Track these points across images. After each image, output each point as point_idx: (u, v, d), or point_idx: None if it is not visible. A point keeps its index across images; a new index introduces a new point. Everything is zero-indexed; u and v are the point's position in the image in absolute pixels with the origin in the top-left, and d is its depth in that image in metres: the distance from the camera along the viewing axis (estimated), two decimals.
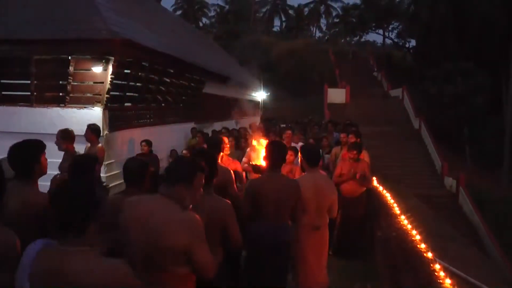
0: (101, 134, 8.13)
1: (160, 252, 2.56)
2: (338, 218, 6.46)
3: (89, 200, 2.10)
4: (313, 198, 4.41)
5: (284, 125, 14.90)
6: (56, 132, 6.54)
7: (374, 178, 7.65)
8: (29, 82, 8.33)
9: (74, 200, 2.07)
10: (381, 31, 48.56)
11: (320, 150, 7.75)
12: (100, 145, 6.94)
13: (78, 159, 4.04)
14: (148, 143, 8.66)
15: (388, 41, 50.02)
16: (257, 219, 4.18)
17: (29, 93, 8.38)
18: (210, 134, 10.98)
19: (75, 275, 1.96)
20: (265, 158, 4.49)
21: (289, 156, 6.84)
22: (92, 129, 6.84)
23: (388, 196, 6.47)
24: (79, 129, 7.89)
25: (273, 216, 4.13)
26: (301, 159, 4.83)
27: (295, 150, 7.02)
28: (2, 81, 8.53)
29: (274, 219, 4.14)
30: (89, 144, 6.92)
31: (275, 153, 4.38)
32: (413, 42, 42.31)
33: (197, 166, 2.88)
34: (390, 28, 47.41)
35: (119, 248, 2.71)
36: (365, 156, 7.50)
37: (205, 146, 7.54)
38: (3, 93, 8.55)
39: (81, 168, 3.75)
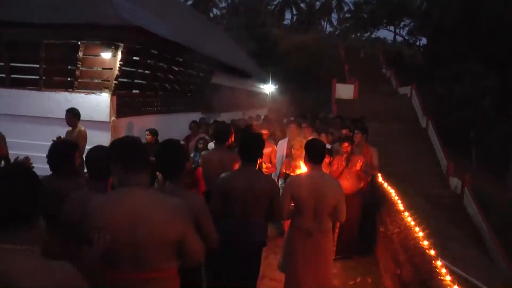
0: (108, 120, 8.18)
1: (150, 248, 2.34)
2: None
3: (32, 190, 1.80)
4: (309, 198, 3.89)
5: (293, 118, 14.79)
6: (63, 117, 6.63)
7: (379, 174, 7.57)
8: (38, 66, 8.37)
9: (15, 190, 1.75)
10: (392, 28, 48.35)
11: (328, 146, 7.70)
12: (82, 128, 6.91)
13: (55, 147, 3.57)
14: (152, 132, 8.08)
15: (398, 38, 49.83)
16: (226, 217, 3.79)
17: (37, 77, 8.42)
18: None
19: (15, 278, 1.64)
20: (239, 150, 4.02)
21: (296, 150, 6.69)
22: (75, 113, 6.81)
23: (392, 192, 6.45)
24: (87, 114, 7.97)
25: (241, 214, 3.75)
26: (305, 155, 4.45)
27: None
28: (11, 64, 8.58)
29: (242, 217, 3.76)
30: (70, 128, 6.84)
31: (249, 145, 3.95)
32: (424, 41, 42.10)
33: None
34: (401, 25, 47.20)
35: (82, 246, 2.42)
36: (373, 153, 7.29)
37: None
38: (12, 76, 8.60)
39: (58, 156, 3.41)
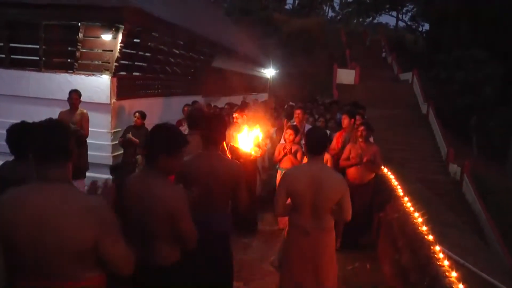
0: (109, 102, 8.16)
1: (59, 255, 2.04)
2: None
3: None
4: (307, 193, 3.53)
5: (293, 104, 14.73)
6: (63, 98, 6.63)
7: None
8: (38, 47, 8.30)
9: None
10: (394, 14, 47.98)
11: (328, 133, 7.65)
12: (84, 110, 6.95)
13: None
14: (142, 114, 7.89)
15: (401, 24, 49.49)
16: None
17: (37, 58, 8.36)
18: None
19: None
20: (201, 133, 3.72)
21: (289, 135, 6.84)
22: (79, 95, 6.88)
23: (392, 178, 6.47)
24: (87, 96, 7.96)
25: (203, 203, 3.37)
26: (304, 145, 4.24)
27: (295, 129, 6.88)
28: (11, 44, 8.52)
29: (204, 207, 3.39)
30: (65, 109, 6.82)
31: (211, 127, 3.65)
32: (426, 26, 41.85)
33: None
34: (404, 11, 46.84)
35: None
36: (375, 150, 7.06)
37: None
38: (12, 56, 8.55)
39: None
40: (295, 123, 7.61)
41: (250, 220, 6.89)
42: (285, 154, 6.84)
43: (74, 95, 6.73)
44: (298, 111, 8.07)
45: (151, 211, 2.68)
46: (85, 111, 6.93)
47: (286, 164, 6.86)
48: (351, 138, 7.02)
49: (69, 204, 2.07)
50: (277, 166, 7.25)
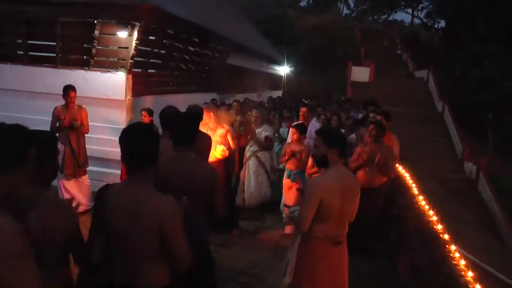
0: (124, 99, 8.22)
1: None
2: None
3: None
4: (339, 203, 3.29)
5: (306, 101, 14.69)
6: (79, 94, 6.70)
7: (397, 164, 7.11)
8: (54, 44, 8.41)
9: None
10: (410, 10, 47.55)
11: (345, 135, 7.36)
12: (83, 106, 6.81)
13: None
14: (149, 112, 7.49)
15: (416, 21, 49.03)
16: None
17: (54, 55, 8.47)
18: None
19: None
20: (174, 133, 3.38)
21: (293, 134, 6.56)
22: (75, 90, 6.71)
23: (407, 176, 6.41)
24: (103, 93, 8.05)
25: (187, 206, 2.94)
26: (322, 148, 3.59)
27: (299, 128, 6.52)
28: (29, 41, 8.64)
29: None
30: (59, 105, 6.66)
31: (183, 125, 3.38)
32: (442, 23, 41.40)
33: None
34: (419, 8, 46.39)
35: None
36: (394, 142, 6.78)
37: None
38: (30, 53, 8.66)
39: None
40: (301, 122, 7.39)
41: (229, 220, 6.49)
42: (289, 157, 6.46)
43: (72, 92, 6.59)
44: (303, 109, 7.84)
45: (139, 225, 2.34)
46: (83, 106, 6.81)
47: (292, 165, 6.53)
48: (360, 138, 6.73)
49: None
50: (283, 166, 7.06)
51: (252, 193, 7.61)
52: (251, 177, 7.63)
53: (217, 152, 6.25)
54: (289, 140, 7.28)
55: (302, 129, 6.54)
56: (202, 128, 6.36)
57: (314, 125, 7.87)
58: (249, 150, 7.69)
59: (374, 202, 5.81)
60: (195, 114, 4.08)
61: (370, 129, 5.98)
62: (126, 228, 2.37)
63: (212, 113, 6.51)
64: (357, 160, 5.89)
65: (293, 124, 7.03)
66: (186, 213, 2.67)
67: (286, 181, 6.69)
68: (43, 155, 2.27)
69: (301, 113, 7.81)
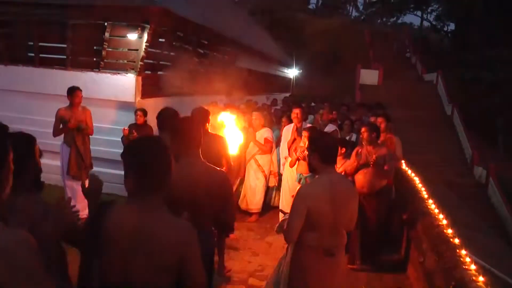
0: (133, 100, 8.26)
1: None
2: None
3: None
4: (330, 211, 3.13)
5: (314, 104, 14.64)
6: (89, 96, 6.71)
7: (403, 161, 7.26)
8: (65, 46, 8.47)
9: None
10: (419, 13, 47.38)
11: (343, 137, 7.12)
12: (87, 108, 6.71)
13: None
14: (144, 112, 7.30)
15: (425, 24, 48.83)
16: None
17: (65, 57, 8.53)
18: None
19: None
20: (178, 136, 3.15)
21: (304, 137, 6.27)
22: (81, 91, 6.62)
23: (416, 180, 6.37)
24: (112, 95, 8.08)
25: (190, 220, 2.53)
26: (308, 154, 3.52)
27: (310, 132, 6.09)
28: (39, 44, 8.70)
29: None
30: (63, 106, 6.54)
31: (186, 130, 3.15)
32: (451, 26, 41.23)
33: None
34: (429, 10, 46.21)
35: None
36: (396, 143, 6.66)
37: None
38: (41, 55, 8.73)
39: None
40: (310, 125, 7.11)
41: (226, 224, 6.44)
42: (299, 159, 6.28)
43: (80, 93, 6.53)
44: (296, 110, 7.09)
45: (150, 259, 1.99)
46: (87, 108, 6.74)
47: (302, 169, 6.22)
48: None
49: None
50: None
51: (250, 197, 7.55)
52: (250, 181, 7.57)
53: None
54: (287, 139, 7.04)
55: (312, 133, 6.21)
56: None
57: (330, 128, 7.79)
58: (248, 152, 7.62)
59: (377, 207, 5.64)
60: (195, 119, 3.72)
61: (362, 131, 5.83)
62: (134, 261, 1.99)
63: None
64: (353, 163, 5.74)
65: (305, 127, 6.75)
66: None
67: (295, 186, 6.45)
68: (22, 158, 2.10)
69: (293, 115, 7.05)
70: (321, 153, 3.27)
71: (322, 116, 8.57)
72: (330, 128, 7.83)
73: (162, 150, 2.13)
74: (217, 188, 3.05)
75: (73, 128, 6.44)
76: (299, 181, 6.39)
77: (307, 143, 6.19)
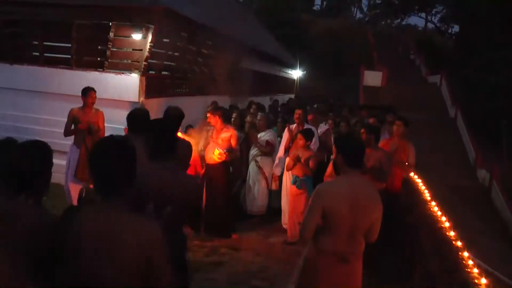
0: (137, 100, 8.28)
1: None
2: None
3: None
4: (348, 215, 3.00)
5: (315, 105, 14.59)
6: None
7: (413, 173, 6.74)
8: (70, 45, 8.50)
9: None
10: (423, 15, 47.37)
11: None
12: (100, 109, 6.51)
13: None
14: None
15: (430, 25, 48.82)
16: None
17: (69, 56, 8.56)
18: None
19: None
20: (151, 140, 3.12)
21: (299, 140, 6.31)
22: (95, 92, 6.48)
23: (419, 182, 6.36)
24: (116, 94, 8.11)
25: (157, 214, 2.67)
26: (334, 154, 3.44)
27: (304, 134, 6.26)
28: (44, 43, 8.74)
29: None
30: (76, 106, 6.38)
31: (157, 135, 3.10)
32: (456, 28, 41.21)
33: None
34: (433, 12, 46.20)
35: None
36: (410, 150, 6.27)
37: None
38: (45, 55, 8.77)
39: None
40: (307, 127, 6.98)
41: (224, 225, 6.56)
42: (295, 163, 6.24)
43: (94, 94, 6.38)
44: (298, 111, 7.15)
45: (117, 262, 1.97)
46: (100, 110, 6.57)
47: (298, 171, 6.31)
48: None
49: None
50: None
51: (251, 200, 7.48)
52: (250, 183, 7.49)
53: (214, 155, 6.31)
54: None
55: (308, 135, 6.32)
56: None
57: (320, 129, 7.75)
58: (250, 153, 7.56)
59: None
60: (167, 122, 3.62)
61: (361, 132, 5.67)
62: (99, 263, 1.97)
63: (217, 116, 6.49)
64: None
65: (301, 129, 6.75)
66: (166, 223, 2.48)
67: (291, 188, 6.47)
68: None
69: (295, 116, 7.14)
70: (346, 154, 3.17)
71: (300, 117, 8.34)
72: (322, 128, 7.87)
73: (124, 152, 2.11)
74: (185, 194, 2.99)
75: (83, 130, 6.23)
76: (294, 183, 6.35)
77: (302, 143, 6.24)
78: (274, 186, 7.51)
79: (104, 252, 1.96)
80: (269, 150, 7.39)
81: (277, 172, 7.30)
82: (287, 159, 6.54)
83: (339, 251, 3.07)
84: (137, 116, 4.23)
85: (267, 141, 7.36)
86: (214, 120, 6.51)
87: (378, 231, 3.21)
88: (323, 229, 3.09)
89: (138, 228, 2.02)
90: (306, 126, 7.01)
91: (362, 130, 5.69)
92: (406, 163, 6.21)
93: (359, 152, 3.22)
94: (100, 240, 1.96)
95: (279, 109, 12.35)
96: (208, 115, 6.70)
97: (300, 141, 6.25)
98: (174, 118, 4.31)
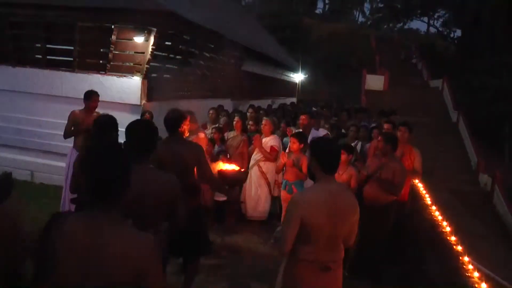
0: (139, 103, 8.29)
1: None
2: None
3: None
4: (327, 223, 2.89)
5: (316, 109, 14.56)
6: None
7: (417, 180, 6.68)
8: (72, 48, 8.52)
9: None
10: (426, 19, 47.43)
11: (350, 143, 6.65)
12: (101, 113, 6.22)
13: None
14: (151, 115, 7.42)
15: (432, 29, 48.84)
16: None
17: (71, 59, 8.58)
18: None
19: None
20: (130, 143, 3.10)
21: (292, 144, 6.14)
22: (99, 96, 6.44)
23: (420, 186, 6.36)
24: (118, 97, 8.14)
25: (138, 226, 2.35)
26: (308, 158, 3.21)
27: (298, 137, 6.11)
28: (47, 45, 8.76)
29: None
30: (78, 110, 6.31)
31: (142, 134, 3.10)
32: (458, 33, 41.23)
33: None
34: (435, 17, 46.25)
35: None
36: (416, 156, 6.19)
37: None
38: (48, 57, 8.79)
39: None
40: (300, 130, 6.99)
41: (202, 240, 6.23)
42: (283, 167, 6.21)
43: (97, 98, 6.38)
44: (303, 117, 7.33)
45: (104, 276, 1.85)
46: (101, 113, 6.28)
47: (290, 175, 6.18)
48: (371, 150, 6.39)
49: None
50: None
51: (252, 205, 7.37)
52: (252, 188, 7.38)
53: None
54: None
55: (301, 138, 6.14)
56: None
57: (315, 133, 7.67)
58: (253, 158, 7.45)
59: (381, 222, 5.21)
60: (148, 125, 3.35)
61: (378, 140, 5.52)
62: (88, 276, 1.84)
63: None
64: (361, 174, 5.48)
65: (292, 133, 6.70)
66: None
67: (282, 193, 6.36)
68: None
69: (300, 121, 7.34)
70: (320, 159, 3.01)
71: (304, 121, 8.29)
72: (321, 132, 7.65)
73: (121, 157, 2.01)
74: (164, 194, 2.96)
75: (83, 131, 6.15)
76: (285, 188, 6.26)
77: (295, 147, 6.05)
78: (276, 193, 7.40)
79: (93, 265, 1.83)
80: (273, 156, 7.22)
81: (281, 178, 7.16)
82: (279, 162, 6.49)
83: (320, 260, 2.96)
84: (103, 121, 4.28)
85: (271, 147, 7.23)
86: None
87: (355, 235, 3.13)
88: (301, 238, 2.94)
89: (132, 242, 1.90)
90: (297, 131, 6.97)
91: (380, 138, 5.51)
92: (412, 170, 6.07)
93: (335, 157, 3.06)
94: (89, 252, 1.83)
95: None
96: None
97: (294, 144, 6.05)
98: (169, 120, 4.37)
